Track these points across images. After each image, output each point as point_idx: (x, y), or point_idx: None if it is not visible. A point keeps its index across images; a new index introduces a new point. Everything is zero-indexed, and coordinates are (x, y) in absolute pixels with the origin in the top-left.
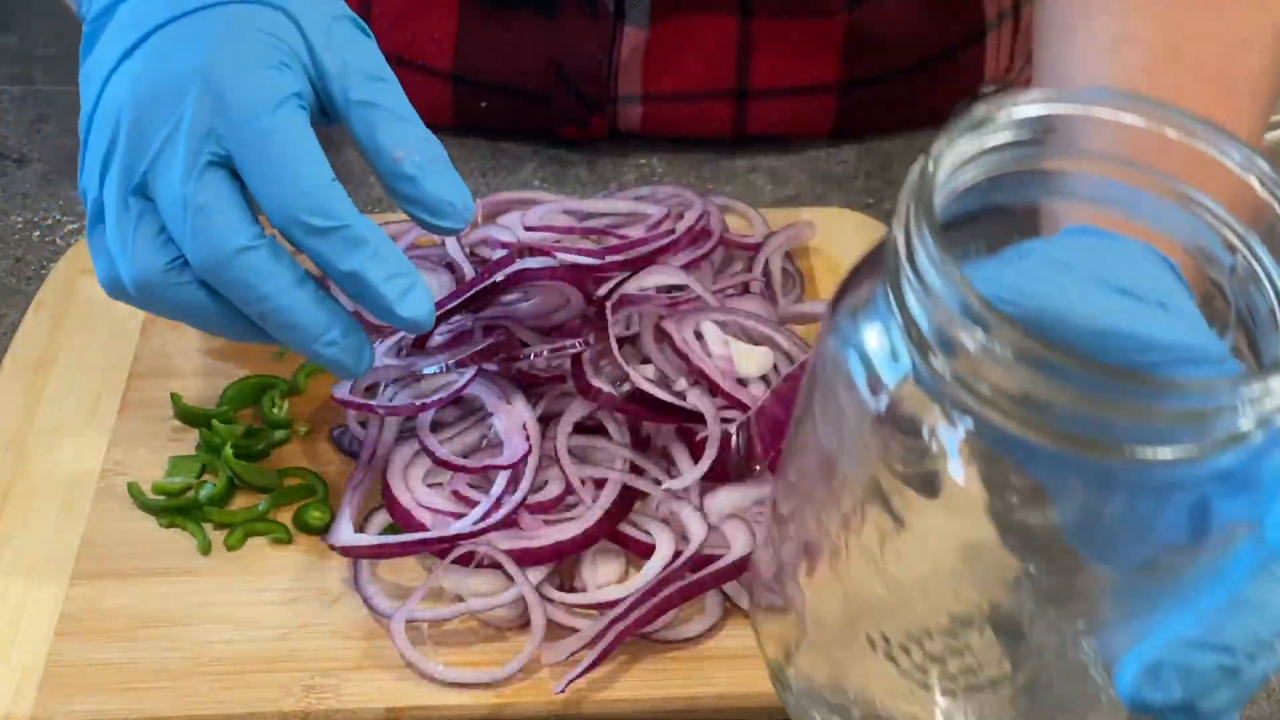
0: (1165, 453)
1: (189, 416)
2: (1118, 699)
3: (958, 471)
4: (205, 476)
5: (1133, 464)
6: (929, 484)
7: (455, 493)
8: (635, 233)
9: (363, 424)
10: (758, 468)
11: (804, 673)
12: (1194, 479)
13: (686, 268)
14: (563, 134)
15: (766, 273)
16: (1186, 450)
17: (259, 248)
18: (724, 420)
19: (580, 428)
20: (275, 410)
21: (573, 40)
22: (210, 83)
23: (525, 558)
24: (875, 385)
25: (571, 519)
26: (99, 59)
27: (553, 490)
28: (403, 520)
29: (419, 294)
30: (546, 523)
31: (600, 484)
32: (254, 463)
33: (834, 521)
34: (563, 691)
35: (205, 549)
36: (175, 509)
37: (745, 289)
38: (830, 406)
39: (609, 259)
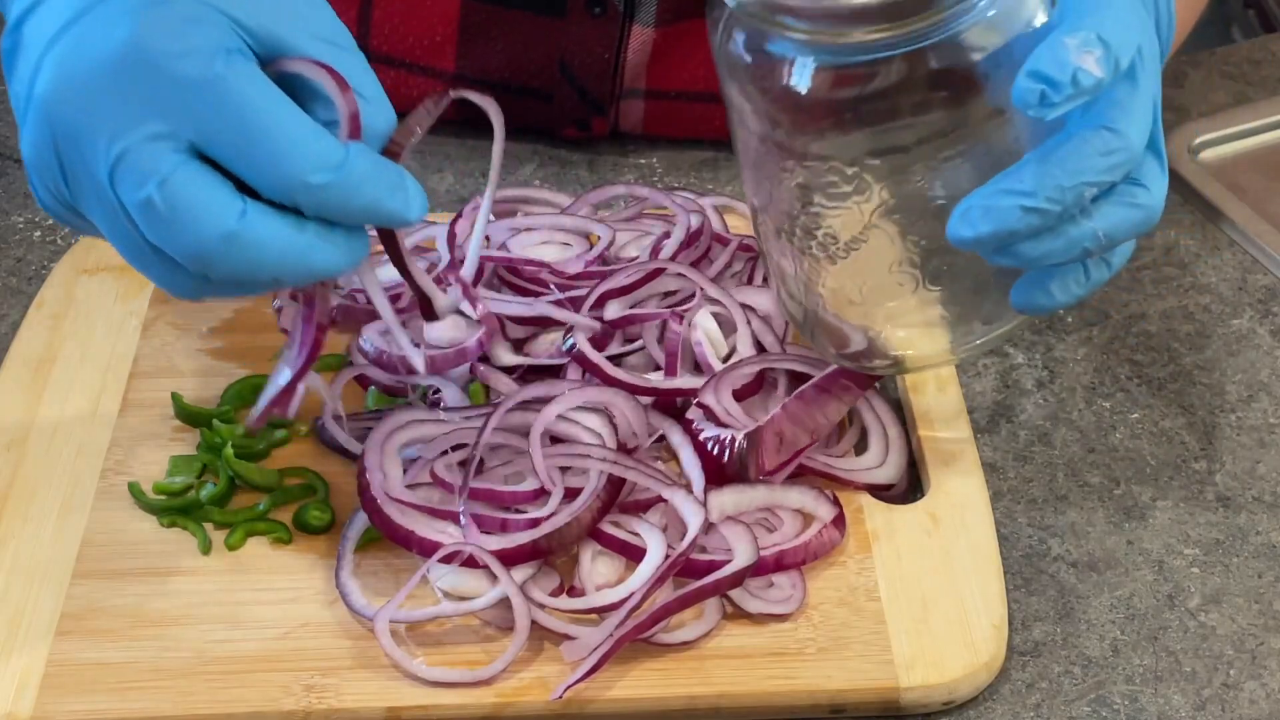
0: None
1: (189, 416)
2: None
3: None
4: (205, 476)
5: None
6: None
7: (432, 472)
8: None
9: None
10: (760, 478)
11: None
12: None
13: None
14: (563, 134)
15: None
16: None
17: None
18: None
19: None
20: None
21: (580, 39)
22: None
23: (507, 556)
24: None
25: (554, 513)
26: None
27: (531, 483)
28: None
29: (415, 194)
30: (529, 521)
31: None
32: (254, 463)
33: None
34: (561, 696)
35: (205, 549)
36: (176, 509)
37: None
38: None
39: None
